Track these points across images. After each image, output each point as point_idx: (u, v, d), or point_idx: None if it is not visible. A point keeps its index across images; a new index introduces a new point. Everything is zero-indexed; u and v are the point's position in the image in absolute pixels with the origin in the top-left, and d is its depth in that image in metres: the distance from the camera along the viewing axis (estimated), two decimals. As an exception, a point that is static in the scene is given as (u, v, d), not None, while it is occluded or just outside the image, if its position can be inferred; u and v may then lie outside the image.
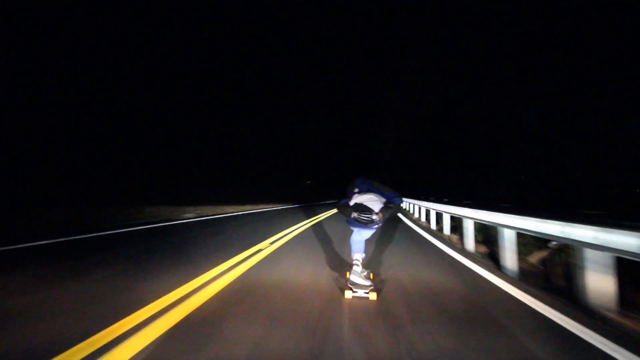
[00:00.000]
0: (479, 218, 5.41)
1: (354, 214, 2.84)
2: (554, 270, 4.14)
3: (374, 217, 2.80)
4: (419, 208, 12.00)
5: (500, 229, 4.40)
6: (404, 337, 2.09)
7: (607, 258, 2.72)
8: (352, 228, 2.99)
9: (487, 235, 6.11)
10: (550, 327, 2.36)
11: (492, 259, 5.15)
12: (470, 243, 5.90)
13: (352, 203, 2.90)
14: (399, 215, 12.96)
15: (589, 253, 2.85)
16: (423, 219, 11.34)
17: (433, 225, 9.31)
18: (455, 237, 7.24)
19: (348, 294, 2.70)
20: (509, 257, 4.18)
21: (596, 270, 2.78)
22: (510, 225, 4.13)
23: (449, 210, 7.59)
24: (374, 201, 2.86)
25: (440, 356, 1.86)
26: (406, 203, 16.83)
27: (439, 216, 8.88)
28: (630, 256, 2.46)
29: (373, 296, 2.69)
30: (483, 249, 5.95)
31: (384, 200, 2.92)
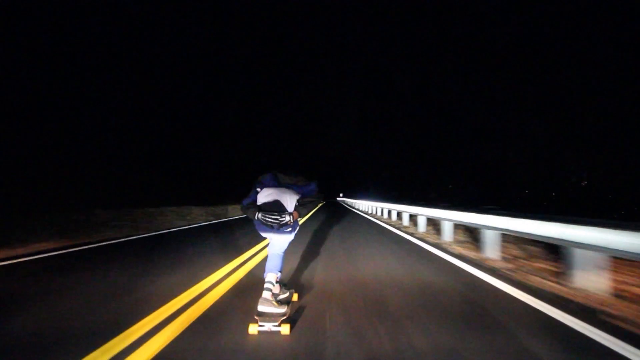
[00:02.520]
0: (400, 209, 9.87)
1: (259, 215, 2.18)
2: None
3: (287, 217, 2.16)
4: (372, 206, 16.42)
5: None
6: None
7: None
8: (262, 234, 2.35)
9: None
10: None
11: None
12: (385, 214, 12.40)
13: (259, 202, 2.27)
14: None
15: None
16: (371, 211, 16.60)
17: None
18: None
19: (252, 329, 1.96)
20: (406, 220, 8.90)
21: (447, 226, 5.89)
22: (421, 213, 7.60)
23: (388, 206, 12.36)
24: (284, 196, 2.25)
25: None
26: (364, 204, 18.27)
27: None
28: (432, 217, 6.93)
29: (285, 330, 1.95)
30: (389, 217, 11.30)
31: (298, 195, 2.31)
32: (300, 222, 2.39)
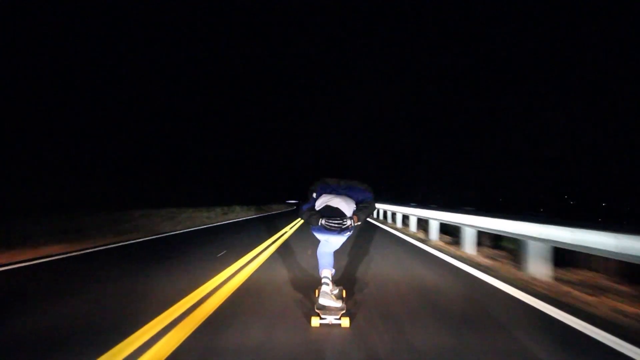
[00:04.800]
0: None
1: (322, 221, 2.28)
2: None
3: (348, 222, 2.26)
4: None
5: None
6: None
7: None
8: (318, 237, 2.52)
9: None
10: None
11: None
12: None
13: (317, 207, 2.37)
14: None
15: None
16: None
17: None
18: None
19: (315, 322, 2.19)
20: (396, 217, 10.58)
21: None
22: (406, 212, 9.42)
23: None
24: (342, 201, 2.34)
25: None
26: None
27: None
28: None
29: (345, 322, 2.18)
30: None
31: (356, 199, 2.43)
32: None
